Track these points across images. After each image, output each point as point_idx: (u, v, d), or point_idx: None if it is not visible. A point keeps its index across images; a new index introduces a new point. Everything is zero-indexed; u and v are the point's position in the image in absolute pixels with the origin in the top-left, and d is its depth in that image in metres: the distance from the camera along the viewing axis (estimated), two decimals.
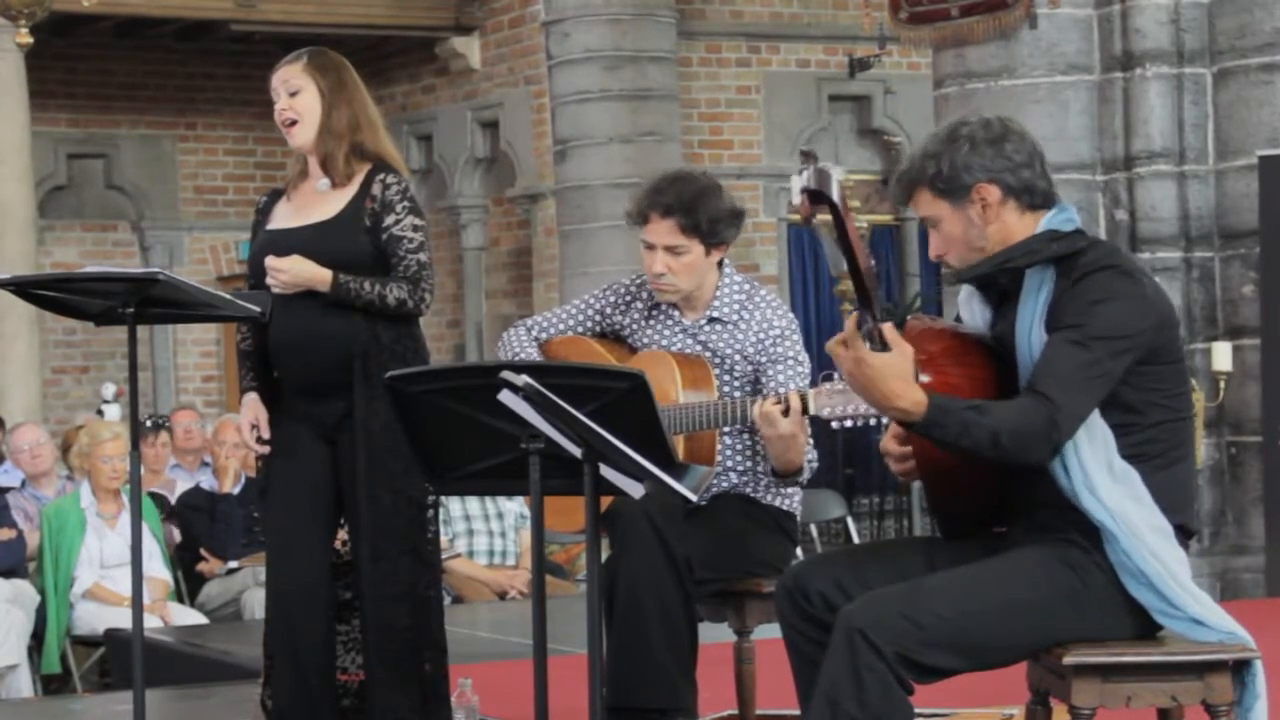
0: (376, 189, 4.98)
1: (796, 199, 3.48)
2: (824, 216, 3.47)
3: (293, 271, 4.91)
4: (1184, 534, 3.77)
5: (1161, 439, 3.74)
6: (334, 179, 5.01)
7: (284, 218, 5.09)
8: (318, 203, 5.03)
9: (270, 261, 4.92)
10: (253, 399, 5.06)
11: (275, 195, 5.20)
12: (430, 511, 5.02)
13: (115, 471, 8.84)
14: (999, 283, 3.88)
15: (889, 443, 3.98)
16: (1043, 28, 8.80)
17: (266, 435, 5.02)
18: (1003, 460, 3.64)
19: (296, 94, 5.02)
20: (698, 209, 4.82)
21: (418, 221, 4.99)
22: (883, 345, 3.58)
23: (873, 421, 4.53)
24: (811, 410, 4.56)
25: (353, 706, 5.10)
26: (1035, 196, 3.82)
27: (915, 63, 14.01)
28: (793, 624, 3.88)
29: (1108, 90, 8.84)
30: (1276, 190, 8.47)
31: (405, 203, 4.98)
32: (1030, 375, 3.67)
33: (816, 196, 3.43)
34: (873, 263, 3.56)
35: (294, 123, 5.04)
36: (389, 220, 4.95)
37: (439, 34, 15.23)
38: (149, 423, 10.58)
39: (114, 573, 8.76)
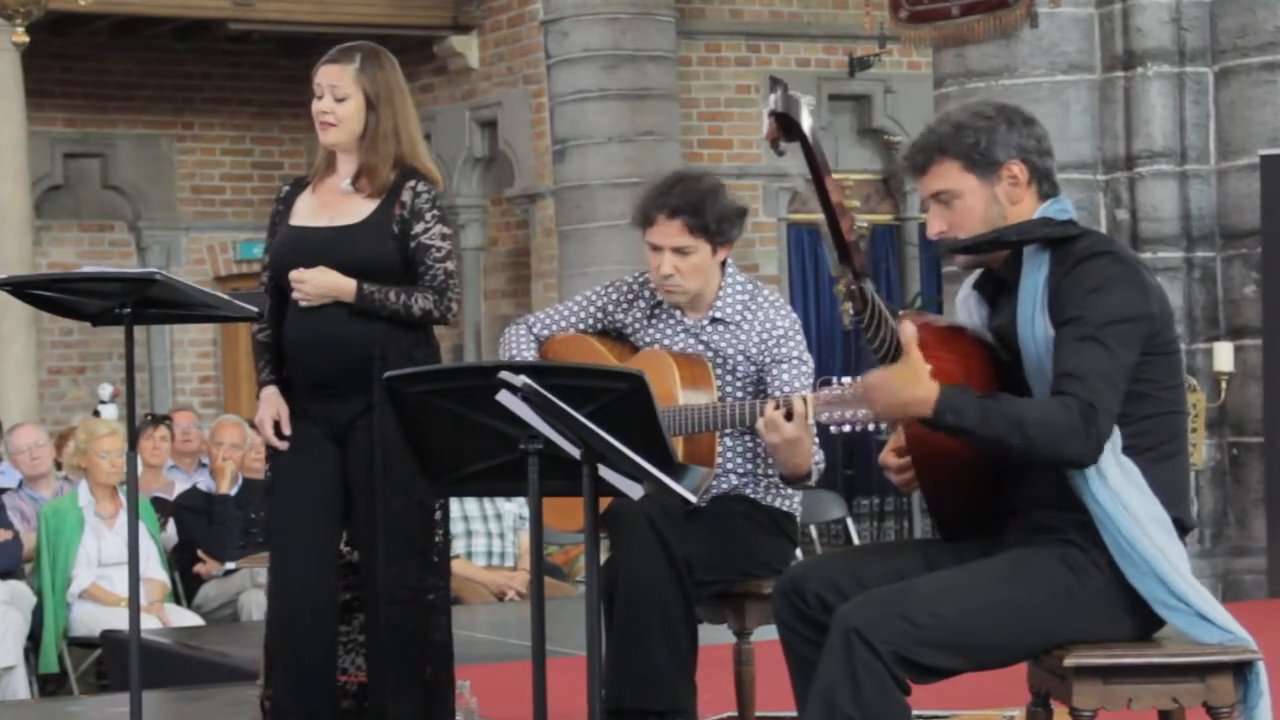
0: (406, 196, 4.94)
1: (765, 127, 3.46)
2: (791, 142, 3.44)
3: (315, 283, 4.88)
4: (1181, 528, 3.76)
5: (1155, 432, 3.74)
6: (369, 190, 4.96)
7: (307, 214, 5.05)
8: (344, 203, 4.99)
9: (294, 275, 4.90)
10: (272, 393, 5.03)
11: (298, 185, 5.13)
12: (438, 514, 5.00)
13: (114, 466, 8.82)
14: (994, 274, 3.87)
15: (888, 456, 3.98)
16: (1044, 27, 8.78)
17: (288, 431, 4.99)
18: (1035, 454, 3.61)
19: (342, 100, 4.95)
20: (705, 209, 4.80)
21: (445, 231, 4.97)
22: (862, 301, 3.56)
23: (871, 427, 4.51)
24: (810, 417, 4.53)
25: (352, 709, 5.07)
26: (1051, 186, 3.84)
27: (915, 62, 14.01)
28: (789, 625, 3.87)
29: (1109, 90, 8.83)
30: (1278, 190, 8.45)
31: (434, 211, 4.95)
32: (1054, 380, 3.64)
33: (785, 121, 3.40)
34: (860, 225, 3.54)
35: (331, 124, 4.97)
36: (418, 228, 4.93)
37: (437, 33, 15.22)
38: (149, 416, 10.58)
39: (111, 573, 8.74)
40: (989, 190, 3.80)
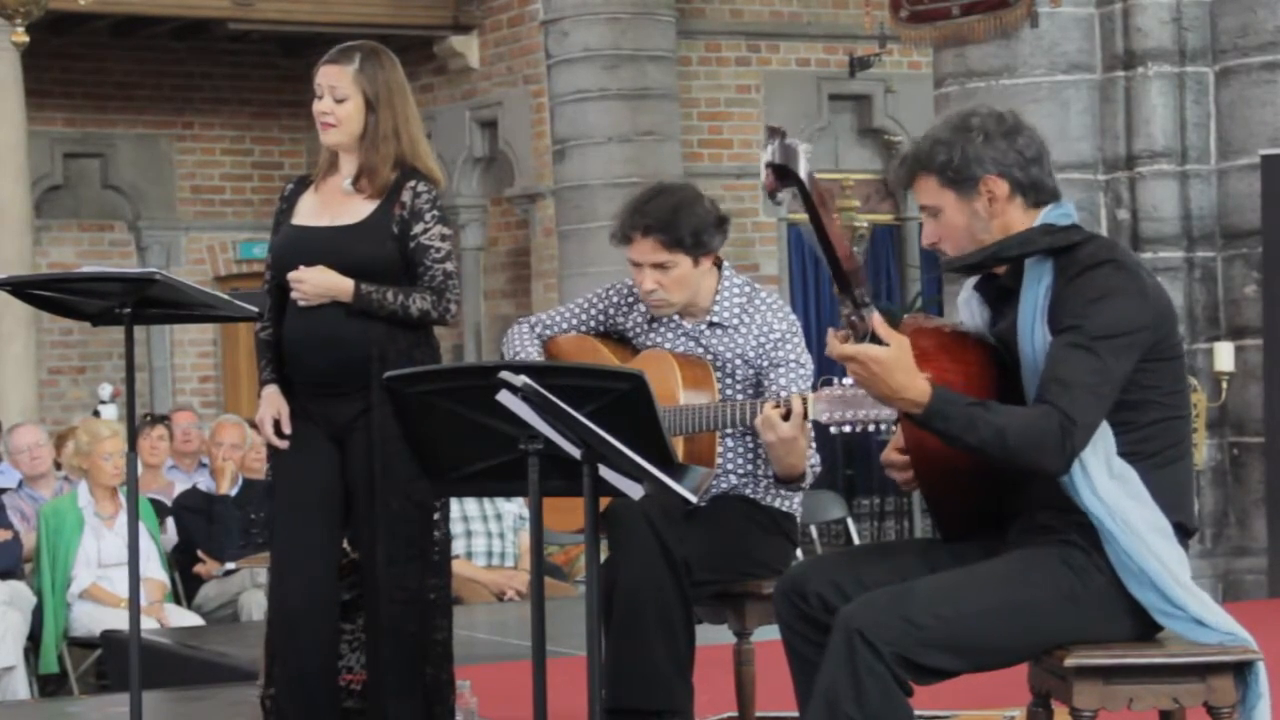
0: (406, 196, 4.94)
1: (763, 177, 3.45)
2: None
3: (313, 283, 4.88)
4: (1183, 533, 3.76)
5: (1158, 437, 3.73)
6: (369, 191, 4.95)
7: (309, 213, 5.05)
8: (345, 203, 4.99)
9: (293, 275, 4.90)
10: (273, 391, 5.02)
11: (302, 183, 5.14)
12: (437, 514, 4.99)
13: (116, 468, 8.81)
14: (997, 279, 3.86)
15: (891, 454, 3.96)
16: (1044, 26, 8.78)
17: (288, 430, 4.99)
18: (1012, 463, 3.61)
19: (342, 101, 4.94)
20: (679, 223, 4.80)
21: (445, 231, 4.97)
22: (873, 337, 3.56)
23: (872, 428, 4.51)
24: (810, 415, 4.53)
25: (355, 709, 5.07)
26: (1042, 194, 3.80)
27: (916, 62, 14.01)
28: (791, 626, 3.86)
29: (1109, 89, 8.82)
30: (1278, 190, 8.45)
31: (434, 212, 4.94)
32: (1040, 384, 3.64)
33: (782, 172, 3.40)
34: (858, 250, 3.53)
35: (331, 125, 4.97)
36: (417, 229, 4.92)
37: (437, 33, 15.22)
38: (148, 416, 10.58)
39: (111, 573, 8.74)
40: (968, 205, 3.78)
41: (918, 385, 3.57)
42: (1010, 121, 3.80)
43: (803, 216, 3.53)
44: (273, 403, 5.01)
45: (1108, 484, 3.64)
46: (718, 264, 4.94)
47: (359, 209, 4.96)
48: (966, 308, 3.94)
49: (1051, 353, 3.65)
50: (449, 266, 4.95)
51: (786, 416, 4.53)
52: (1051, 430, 3.56)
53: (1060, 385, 3.59)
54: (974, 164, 3.75)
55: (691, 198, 4.87)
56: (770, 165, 3.41)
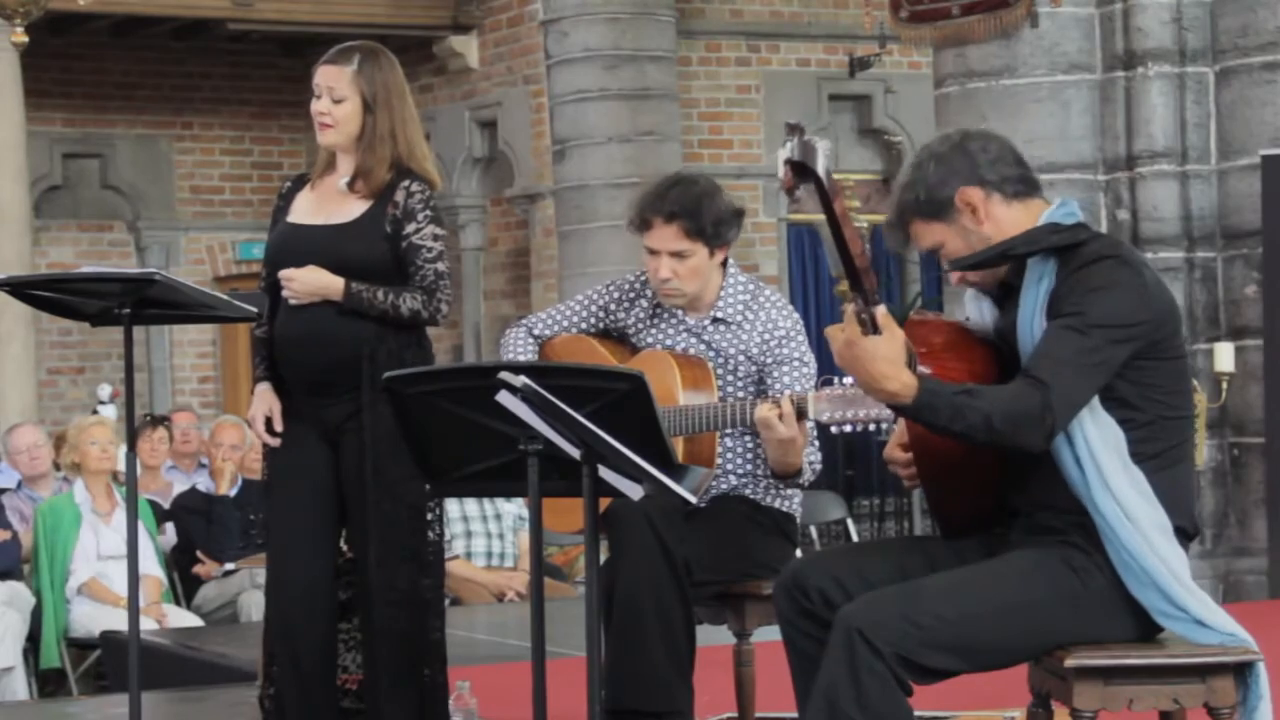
0: (400, 196, 4.93)
1: (781, 171, 3.46)
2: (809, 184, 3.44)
3: (303, 281, 4.88)
4: (1184, 535, 3.76)
5: (1160, 438, 3.73)
6: (364, 191, 4.95)
7: (304, 211, 5.05)
8: (339, 202, 4.99)
9: (283, 274, 4.90)
10: (266, 389, 5.02)
11: (300, 182, 5.14)
12: (430, 515, 4.99)
13: (104, 453, 8.81)
14: (1001, 276, 3.86)
15: (893, 450, 3.96)
16: (1044, 26, 8.77)
17: (280, 428, 4.99)
18: (998, 445, 3.62)
19: (340, 102, 4.94)
20: (702, 212, 4.80)
21: (438, 231, 4.96)
22: (875, 330, 3.56)
23: (872, 427, 4.50)
24: (811, 415, 4.54)
25: (353, 709, 5.07)
26: (1018, 185, 3.82)
27: (916, 62, 14.00)
28: (791, 621, 3.86)
29: (1109, 90, 8.81)
30: (1279, 190, 8.44)
31: (427, 212, 4.94)
32: (1029, 360, 3.65)
33: (800, 169, 3.40)
34: (866, 246, 3.54)
35: (329, 126, 4.97)
36: (409, 228, 4.92)
37: (437, 33, 15.22)
38: (147, 417, 10.57)
39: (109, 568, 8.72)
40: (958, 226, 3.81)
41: (901, 378, 3.57)
42: (956, 136, 3.87)
43: (802, 217, 3.54)
44: (265, 400, 5.01)
45: (1122, 480, 3.65)
46: (723, 261, 4.94)
47: (353, 208, 4.96)
48: (974, 305, 3.95)
49: (1045, 333, 3.66)
50: (440, 267, 4.94)
51: (783, 415, 4.53)
52: (1033, 405, 3.57)
53: (1047, 360, 3.61)
54: (939, 188, 3.80)
55: (712, 188, 4.89)
56: (789, 162, 3.42)
